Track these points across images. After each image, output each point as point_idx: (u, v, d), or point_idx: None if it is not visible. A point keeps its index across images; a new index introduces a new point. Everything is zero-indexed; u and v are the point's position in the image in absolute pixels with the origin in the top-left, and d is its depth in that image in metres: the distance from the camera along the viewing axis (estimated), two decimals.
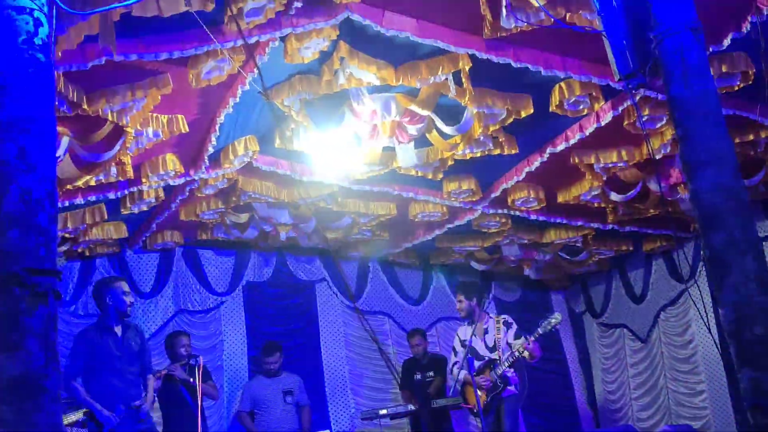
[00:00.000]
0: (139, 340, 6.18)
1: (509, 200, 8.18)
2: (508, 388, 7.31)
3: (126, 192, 6.94)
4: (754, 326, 2.94)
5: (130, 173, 6.41)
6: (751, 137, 6.99)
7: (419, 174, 7.42)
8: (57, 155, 5.46)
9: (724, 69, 5.76)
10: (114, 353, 5.90)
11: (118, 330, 6.01)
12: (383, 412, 8.25)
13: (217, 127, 6.29)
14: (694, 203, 3.17)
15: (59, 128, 5.45)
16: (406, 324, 10.08)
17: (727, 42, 5.50)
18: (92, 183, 6.42)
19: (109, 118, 5.51)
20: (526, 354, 7.21)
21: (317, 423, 8.72)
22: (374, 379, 9.79)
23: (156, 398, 7.37)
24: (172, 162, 6.66)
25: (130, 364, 5.99)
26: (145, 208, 7.38)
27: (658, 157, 7.00)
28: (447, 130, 6.57)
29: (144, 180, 6.75)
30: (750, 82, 5.98)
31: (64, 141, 5.74)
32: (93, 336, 5.96)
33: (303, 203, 7.93)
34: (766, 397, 2.89)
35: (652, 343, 10.64)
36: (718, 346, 8.10)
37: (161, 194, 7.20)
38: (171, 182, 6.95)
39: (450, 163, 7.26)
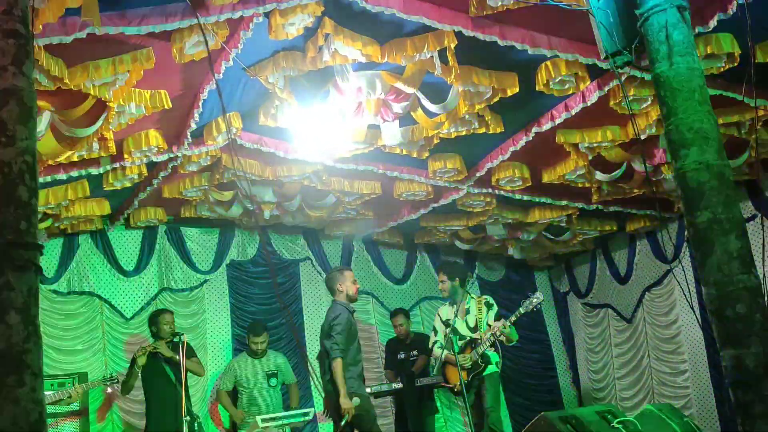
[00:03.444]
0: None
1: (494, 179, 8.18)
2: (489, 366, 7.37)
3: (109, 168, 6.88)
4: (736, 304, 2.96)
5: (113, 149, 6.36)
6: (736, 118, 7.00)
7: (404, 152, 7.39)
8: (38, 130, 5.41)
9: (709, 50, 5.75)
10: None
11: None
12: (367, 390, 8.27)
13: (200, 103, 6.24)
14: (679, 182, 3.17)
15: (40, 102, 5.39)
16: (389, 303, 10.10)
17: (713, 23, 5.49)
18: (74, 158, 6.36)
19: (91, 92, 5.44)
20: (503, 338, 7.26)
21: (300, 401, 8.72)
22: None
23: (140, 375, 7.40)
24: (155, 138, 6.61)
25: None
26: (128, 185, 7.33)
27: (643, 137, 6.99)
28: (432, 108, 6.54)
29: (126, 156, 6.70)
30: (735, 64, 5.98)
31: (46, 115, 5.67)
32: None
33: (287, 181, 7.89)
34: (747, 374, 2.92)
35: (637, 323, 10.72)
36: (701, 325, 8.19)
37: (144, 171, 7.15)
38: (154, 158, 6.90)
39: (435, 141, 7.24)
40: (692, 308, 4.81)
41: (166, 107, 6.02)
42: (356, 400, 6.33)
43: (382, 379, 9.26)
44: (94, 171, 6.85)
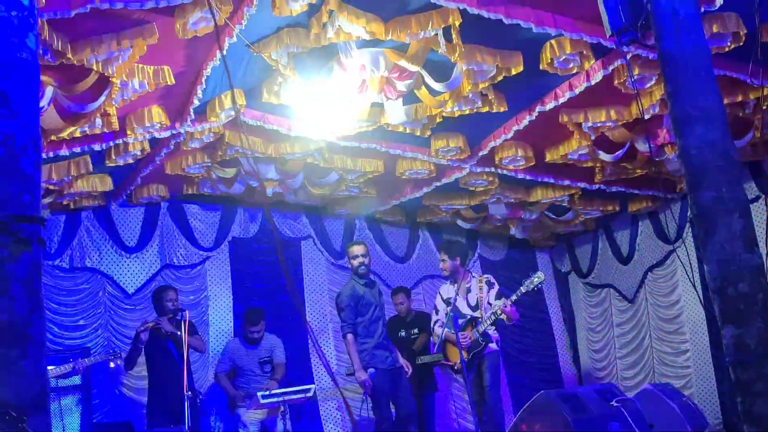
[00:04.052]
0: None
1: (497, 158, 8.16)
2: (490, 345, 7.39)
3: (111, 144, 6.88)
4: (738, 283, 2.96)
5: (116, 125, 6.35)
6: (740, 98, 6.97)
7: (407, 131, 7.38)
8: (41, 105, 5.40)
9: (715, 29, 5.72)
10: None
11: None
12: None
13: (203, 80, 6.22)
14: (683, 160, 3.16)
15: (43, 77, 5.38)
16: (391, 281, 10.11)
17: (719, 2, 5.46)
18: (77, 134, 6.36)
19: (94, 68, 5.43)
20: (503, 317, 7.27)
21: (301, 379, 8.75)
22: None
23: (142, 351, 7.43)
24: (157, 114, 6.60)
25: None
26: (130, 161, 7.32)
27: (647, 116, 6.97)
28: (436, 86, 6.52)
29: (129, 132, 6.69)
30: (741, 43, 5.96)
31: (49, 91, 5.66)
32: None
33: (290, 159, 7.88)
34: (747, 352, 2.92)
35: (639, 303, 10.73)
36: (703, 304, 8.22)
37: (147, 147, 7.13)
38: (156, 135, 6.89)
39: (438, 120, 7.22)
40: (695, 288, 4.80)
41: (169, 83, 6.01)
42: (371, 370, 6.67)
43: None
44: (96, 147, 6.84)
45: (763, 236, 4.11)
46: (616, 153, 8.02)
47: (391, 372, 7.05)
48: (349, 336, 6.96)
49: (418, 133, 7.43)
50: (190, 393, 6.64)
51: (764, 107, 7.10)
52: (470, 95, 6.72)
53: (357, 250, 7.37)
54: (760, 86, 6.70)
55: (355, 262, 7.25)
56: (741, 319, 2.94)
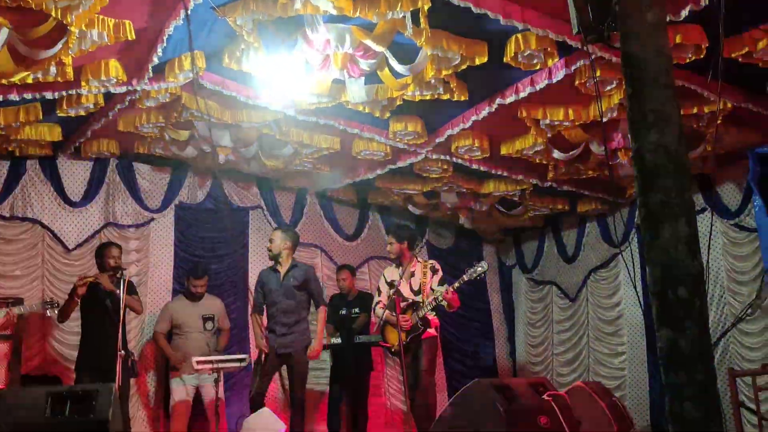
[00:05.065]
0: None
1: (453, 147, 8.19)
2: (428, 330, 7.45)
3: (64, 94, 6.72)
4: (678, 288, 3.01)
5: (70, 75, 6.18)
6: (695, 110, 7.09)
7: (366, 110, 7.35)
8: None
9: (678, 39, 5.80)
10: None
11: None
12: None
13: (164, 39, 6.11)
14: (636, 162, 3.20)
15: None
16: (338, 259, 10.12)
17: (684, 13, 5.53)
18: (29, 80, 6.19)
19: (53, 14, 5.28)
20: (444, 303, 7.33)
21: (239, 348, 8.74)
22: None
23: (78, 305, 7.33)
24: (114, 69, 6.44)
25: None
26: (82, 113, 7.16)
27: (604, 119, 7.06)
28: (399, 69, 6.50)
29: (84, 84, 6.53)
30: (701, 56, 6.05)
31: (3, 32, 5.51)
32: None
33: (246, 127, 7.80)
34: (680, 356, 2.98)
35: (580, 302, 10.90)
36: (643, 309, 8.39)
37: (100, 101, 6.99)
38: (112, 90, 6.74)
39: (398, 102, 7.20)
40: (636, 292, 4.90)
41: (129, 38, 5.87)
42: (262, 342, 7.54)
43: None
44: (48, 95, 6.68)
45: (706, 247, 4.19)
46: (571, 153, 8.11)
47: (275, 356, 7.43)
48: (253, 315, 7.83)
49: (377, 114, 7.41)
50: (122, 352, 6.57)
51: (718, 122, 7.24)
52: (432, 81, 6.71)
53: (270, 235, 7.88)
54: (716, 101, 6.84)
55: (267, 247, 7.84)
56: (677, 324, 3.00)
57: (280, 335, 7.43)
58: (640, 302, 8.53)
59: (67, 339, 7.99)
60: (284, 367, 7.66)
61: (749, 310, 5.97)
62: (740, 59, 6.13)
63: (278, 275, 7.62)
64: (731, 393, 5.96)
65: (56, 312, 7.34)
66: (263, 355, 7.50)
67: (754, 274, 8.55)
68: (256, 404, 7.28)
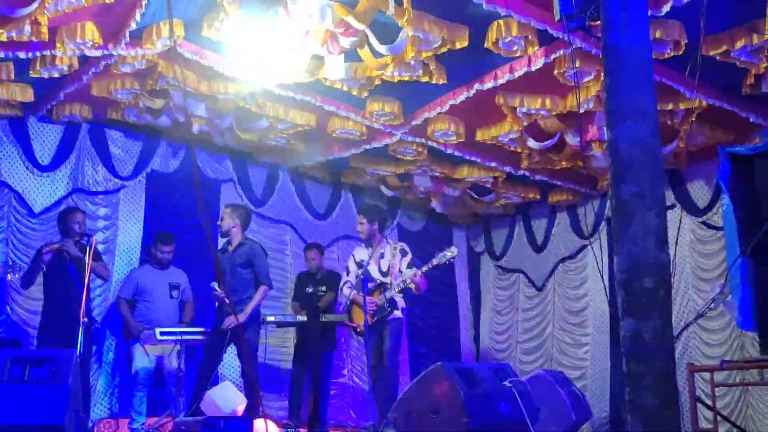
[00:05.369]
0: None
1: (429, 130, 8.19)
2: (395, 312, 7.46)
3: (38, 54, 6.60)
4: (644, 278, 3.04)
5: (45, 35, 6.07)
6: (671, 107, 7.15)
7: (344, 88, 7.32)
8: None
9: (658, 35, 5.83)
10: None
11: None
12: (270, 318, 8.29)
13: (143, 4, 6.02)
14: (610, 153, 3.22)
15: None
16: (307, 237, 10.08)
17: (666, 8, 5.57)
18: (3, 38, 6.08)
19: None
20: (412, 285, 7.34)
21: (203, 323, 8.67)
22: None
23: (42, 271, 7.24)
24: (91, 31, 6.34)
25: None
26: (55, 75, 7.02)
27: (581, 110, 7.09)
28: (379, 48, 6.47)
29: (59, 45, 6.41)
30: (681, 53, 6.09)
31: None
32: None
33: (222, 98, 7.73)
34: (642, 345, 3.02)
35: (547, 292, 10.97)
36: (609, 302, 8.48)
37: (75, 63, 6.87)
38: (87, 52, 6.63)
39: (377, 82, 7.18)
40: (604, 283, 4.93)
41: (107, 1, 5.80)
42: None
43: (287, 310, 9.30)
44: (21, 55, 6.55)
45: (675, 242, 4.23)
46: (545, 142, 8.14)
47: (222, 332, 7.28)
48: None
49: (354, 93, 7.38)
50: (86, 319, 6.51)
51: (692, 119, 7.30)
52: (412, 62, 6.70)
53: (221, 212, 7.80)
54: (692, 98, 6.89)
55: None
56: (641, 313, 3.03)
57: (226, 314, 7.30)
58: (606, 294, 8.60)
59: (31, 305, 7.89)
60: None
61: (712, 304, 6.04)
62: (718, 57, 6.18)
63: (227, 253, 7.52)
64: (689, 387, 6.03)
65: (17, 277, 7.24)
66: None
67: (718, 272, 8.67)
68: (203, 379, 7.20)
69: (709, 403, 6.20)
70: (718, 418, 6.21)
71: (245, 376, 7.35)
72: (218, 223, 7.68)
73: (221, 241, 7.87)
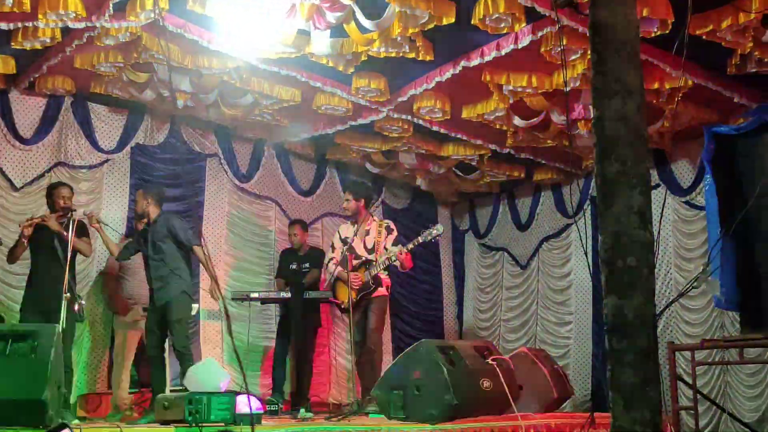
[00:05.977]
0: None
1: (415, 107, 8.17)
2: (379, 289, 7.48)
3: (20, 25, 6.51)
4: (628, 256, 3.05)
5: (27, 5, 5.99)
6: (656, 86, 7.15)
7: (330, 64, 7.26)
8: None
9: (645, 12, 5.82)
10: None
11: None
12: (254, 295, 8.33)
13: None
14: (596, 130, 3.21)
15: None
16: (292, 213, 10.07)
17: None
18: None
19: None
20: (397, 263, 7.36)
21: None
22: (251, 263, 9.79)
23: (27, 245, 7.17)
24: (74, 3, 6.23)
25: None
26: (38, 47, 6.93)
27: (567, 88, 7.08)
28: (366, 24, 6.43)
29: (41, 16, 6.32)
30: (667, 31, 6.08)
31: None
32: None
33: (206, 73, 7.66)
34: (625, 323, 3.03)
35: (531, 270, 11.03)
36: (593, 281, 8.54)
37: (58, 35, 6.78)
38: (70, 24, 6.53)
39: (363, 58, 7.14)
40: (588, 261, 4.95)
41: None
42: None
43: (271, 286, 9.30)
44: (3, 25, 6.46)
45: (658, 222, 4.25)
46: (531, 120, 8.14)
47: (155, 309, 7.25)
48: None
49: (340, 68, 7.33)
50: (68, 294, 6.47)
51: (678, 99, 7.31)
52: (399, 38, 6.66)
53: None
54: (677, 77, 6.89)
55: None
56: (624, 291, 3.04)
57: (157, 289, 7.20)
58: (590, 273, 8.67)
59: (13, 282, 7.83)
60: None
61: (695, 283, 6.09)
62: (704, 36, 6.18)
63: (147, 233, 7.37)
64: (670, 366, 6.08)
65: (2, 251, 7.18)
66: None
67: (700, 251, 8.74)
68: (151, 359, 7.22)
69: (690, 381, 6.26)
70: (698, 396, 6.28)
71: (176, 353, 7.16)
72: (134, 207, 7.61)
73: (142, 224, 7.70)
